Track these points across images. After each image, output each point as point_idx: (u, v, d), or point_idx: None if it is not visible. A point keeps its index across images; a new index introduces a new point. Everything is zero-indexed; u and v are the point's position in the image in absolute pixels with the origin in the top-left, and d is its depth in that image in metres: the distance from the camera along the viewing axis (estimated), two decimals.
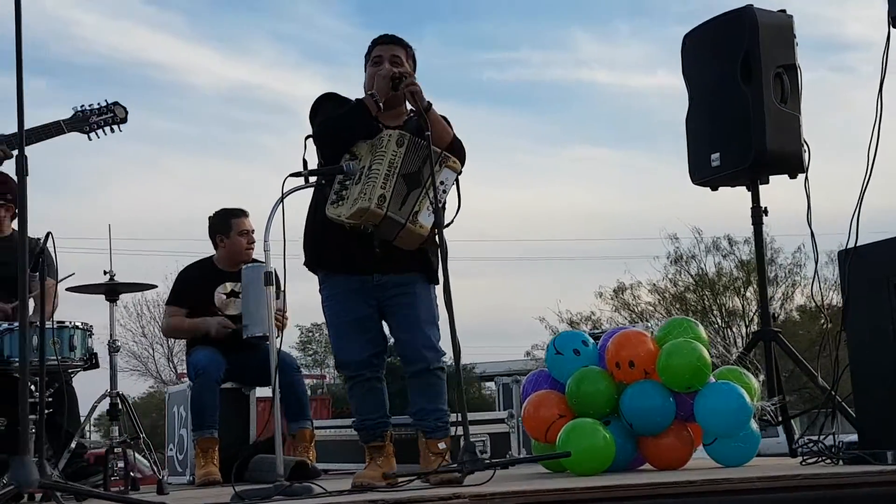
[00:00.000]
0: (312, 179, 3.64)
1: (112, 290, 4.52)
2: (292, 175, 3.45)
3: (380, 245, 3.86)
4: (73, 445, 4.36)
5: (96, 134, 4.10)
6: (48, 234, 4.29)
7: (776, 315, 23.44)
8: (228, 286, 5.37)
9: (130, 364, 30.66)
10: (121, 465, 4.46)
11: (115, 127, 4.16)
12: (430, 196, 3.70)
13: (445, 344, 3.88)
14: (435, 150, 3.77)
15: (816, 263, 4.44)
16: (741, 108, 4.63)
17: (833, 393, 3.92)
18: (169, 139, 47.43)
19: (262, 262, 5.29)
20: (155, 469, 4.36)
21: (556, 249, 54.28)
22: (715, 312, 28.34)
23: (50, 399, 4.23)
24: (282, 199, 3.32)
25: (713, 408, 3.88)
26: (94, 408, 4.54)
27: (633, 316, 28.49)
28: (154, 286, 4.76)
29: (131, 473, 4.39)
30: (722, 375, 4.10)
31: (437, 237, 3.70)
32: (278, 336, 5.15)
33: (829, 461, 3.50)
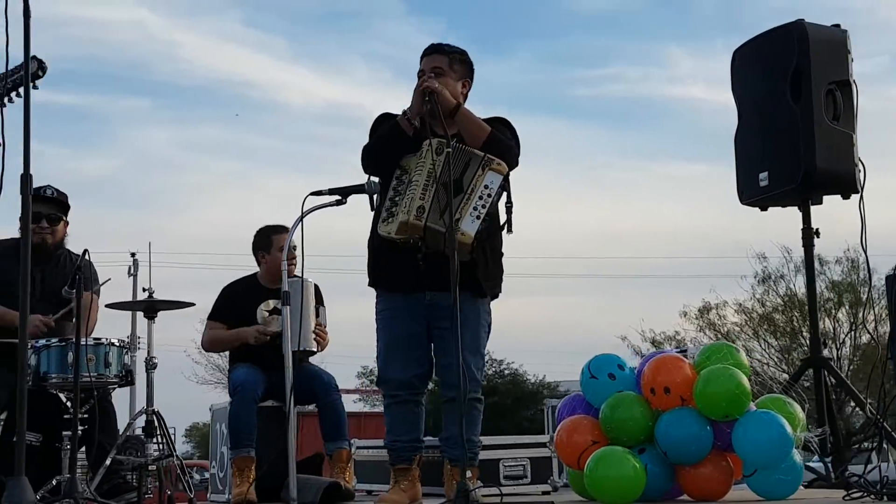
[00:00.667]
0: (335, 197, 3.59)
1: (150, 308, 4.55)
2: (313, 193, 3.41)
3: (424, 258, 3.79)
4: (108, 462, 4.37)
5: (9, 98, 3.32)
6: (85, 251, 4.36)
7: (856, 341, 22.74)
8: (271, 303, 5.35)
9: (215, 377, 31.14)
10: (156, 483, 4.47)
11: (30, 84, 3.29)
12: (473, 202, 3.62)
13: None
14: (476, 153, 3.69)
15: (870, 289, 4.23)
16: (790, 125, 4.48)
17: (881, 423, 3.72)
18: (262, 155, 48.44)
19: (304, 278, 5.31)
20: (186, 488, 4.34)
21: (642, 266, 53.72)
22: (805, 334, 27.48)
23: (85, 415, 4.28)
24: (301, 219, 3.28)
25: (752, 438, 3.72)
26: (129, 425, 4.56)
27: (719, 336, 27.80)
28: (192, 304, 4.77)
29: (167, 492, 4.40)
30: (763, 404, 3.93)
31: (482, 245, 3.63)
32: (318, 351, 5.19)
33: (872, 497, 3.33)
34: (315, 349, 5.05)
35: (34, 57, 3.38)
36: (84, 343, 4.08)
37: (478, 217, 3.72)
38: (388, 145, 3.86)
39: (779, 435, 3.69)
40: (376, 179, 3.73)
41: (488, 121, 4.00)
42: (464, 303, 3.88)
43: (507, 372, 31.97)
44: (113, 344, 4.39)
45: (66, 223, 4.92)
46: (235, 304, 5.37)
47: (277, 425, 5.51)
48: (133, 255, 29.23)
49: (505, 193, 3.89)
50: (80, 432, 4.20)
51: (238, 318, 5.34)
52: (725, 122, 4.41)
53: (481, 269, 3.91)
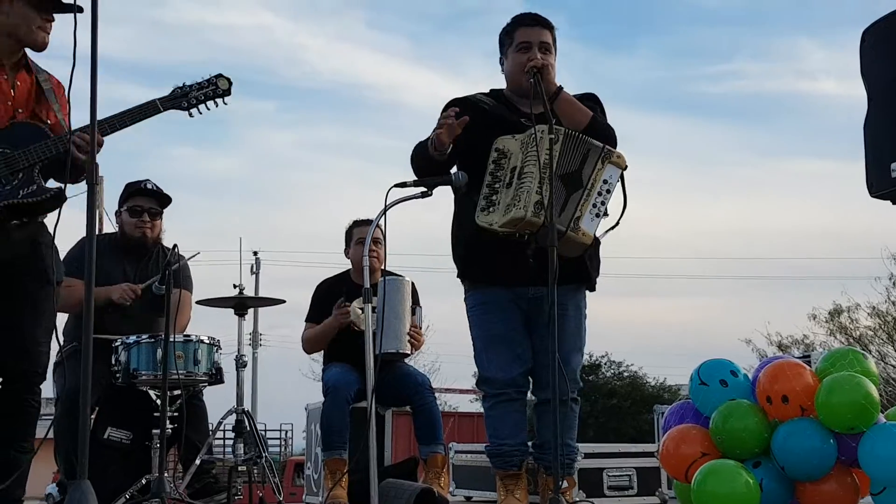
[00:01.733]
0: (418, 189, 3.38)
1: (241, 305, 4.45)
2: (397, 185, 3.21)
3: (534, 255, 3.54)
4: (197, 462, 4.29)
5: (198, 109, 3.72)
6: (174, 245, 4.28)
7: None
8: None
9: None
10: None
11: (217, 101, 3.79)
12: (593, 198, 3.36)
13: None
14: (595, 144, 3.43)
15: None
16: None
17: None
18: (383, 156, 49.21)
19: (400, 276, 5.14)
20: (276, 491, 4.22)
21: (769, 267, 52.22)
22: None
23: (175, 413, 4.20)
24: (384, 211, 3.09)
25: (881, 453, 3.35)
26: (220, 423, 4.46)
27: (851, 340, 26.59)
28: (283, 301, 4.64)
29: (259, 494, 4.29)
30: (894, 416, 3.55)
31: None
32: (412, 353, 5.00)
33: None
34: (409, 351, 4.87)
35: (221, 75, 3.78)
36: (173, 340, 3.99)
37: (597, 215, 3.47)
38: (423, 164, 3.64)
39: None
40: (462, 172, 3.50)
41: (580, 97, 3.73)
42: (570, 298, 3.62)
43: (626, 374, 31.32)
44: (202, 341, 4.31)
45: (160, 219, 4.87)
46: (328, 302, 5.24)
47: (376, 427, 5.38)
48: (255, 253, 29.75)
49: (622, 190, 3.62)
50: (170, 431, 4.14)
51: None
52: (859, 117, 4.03)
53: (590, 262, 3.65)
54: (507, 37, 3.73)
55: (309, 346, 5.22)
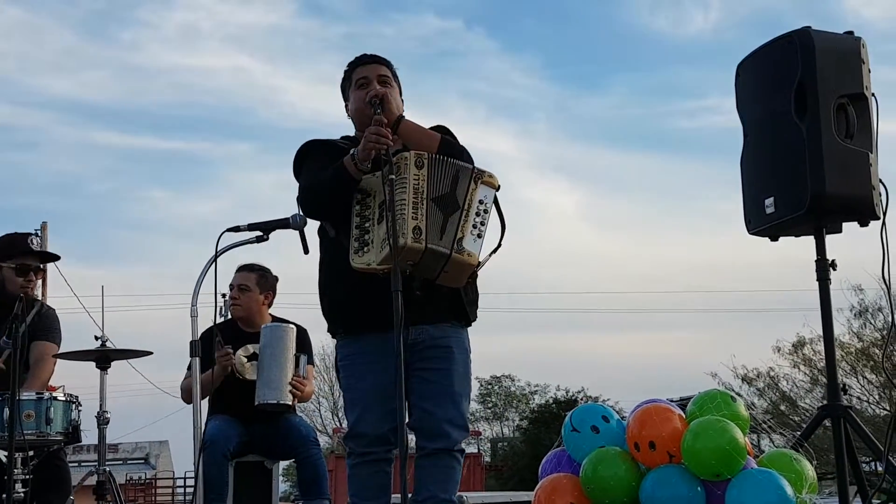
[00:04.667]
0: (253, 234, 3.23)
1: (104, 357, 4.24)
2: (230, 230, 3.06)
3: (421, 288, 3.36)
4: None
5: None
6: (28, 298, 4.08)
7: None
8: (250, 348, 5.03)
9: None
10: None
11: None
12: (472, 219, 3.24)
13: None
14: (464, 165, 3.32)
15: (892, 327, 3.72)
16: (795, 145, 4.00)
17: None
18: None
19: (286, 321, 4.97)
20: None
21: (733, 300, 52.72)
22: None
23: (28, 476, 3.97)
24: (215, 258, 2.94)
25: (746, 501, 3.24)
26: (80, 483, 4.24)
27: (815, 372, 26.63)
28: (150, 353, 4.44)
29: None
30: (765, 461, 3.45)
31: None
32: (293, 404, 4.82)
33: None
34: (289, 402, 4.69)
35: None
36: (20, 398, 3.77)
37: (478, 235, 3.33)
38: (336, 192, 3.42)
39: (778, 498, 3.20)
40: (299, 214, 3.35)
41: (432, 129, 3.64)
42: (452, 337, 3.47)
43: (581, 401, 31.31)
44: (56, 398, 4.08)
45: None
46: (212, 349, 5.05)
47: (257, 482, 5.17)
48: (224, 295, 29.21)
49: (497, 212, 3.50)
50: (22, 494, 3.90)
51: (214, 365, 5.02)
52: None
53: (466, 295, 3.51)
54: (347, 81, 3.64)
55: (186, 395, 5.02)
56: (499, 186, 3.46)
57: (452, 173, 3.34)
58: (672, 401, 3.80)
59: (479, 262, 3.44)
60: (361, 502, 3.52)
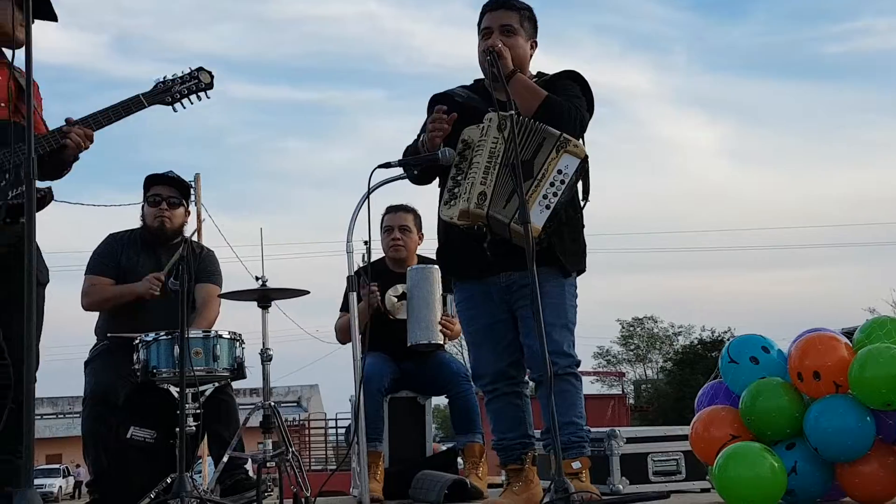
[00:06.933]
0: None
1: (264, 297, 4.37)
2: (380, 166, 3.09)
3: (490, 247, 3.47)
4: (225, 459, 4.24)
5: (181, 104, 3.72)
6: (188, 239, 4.24)
7: None
8: (399, 288, 5.09)
9: None
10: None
11: (200, 94, 3.77)
12: (543, 189, 3.22)
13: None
14: (551, 131, 3.27)
15: None
16: None
17: None
18: None
19: (432, 261, 5.02)
20: (302, 485, 4.14)
21: (889, 233, 50.47)
22: None
23: (199, 410, 4.16)
24: (368, 195, 2.98)
25: None
26: (246, 420, 4.42)
27: None
28: (307, 292, 4.55)
29: (292, 488, 4.22)
30: None
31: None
32: (444, 343, 4.88)
33: None
34: (441, 341, 4.75)
35: (202, 68, 3.78)
36: (188, 336, 3.94)
37: (547, 206, 3.29)
38: (415, 166, 3.55)
39: None
40: (451, 149, 3.38)
41: (556, 76, 3.58)
42: (546, 281, 3.48)
43: None
44: (222, 336, 4.24)
45: (188, 211, 4.83)
46: (359, 287, 5.14)
47: (411, 418, 5.28)
48: (366, 243, 29.93)
49: (581, 182, 3.48)
50: (194, 428, 4.10)
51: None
52: None
53: (559, 248, 3.51)
54: (479, 27, 3.63)
55: (342, 335, 5.14)
56: (586, 156, 3.41)
57: (537, 140, 3.34)
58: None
59: (577, 221, 3.47)
60: (500, 434, 3.70)
